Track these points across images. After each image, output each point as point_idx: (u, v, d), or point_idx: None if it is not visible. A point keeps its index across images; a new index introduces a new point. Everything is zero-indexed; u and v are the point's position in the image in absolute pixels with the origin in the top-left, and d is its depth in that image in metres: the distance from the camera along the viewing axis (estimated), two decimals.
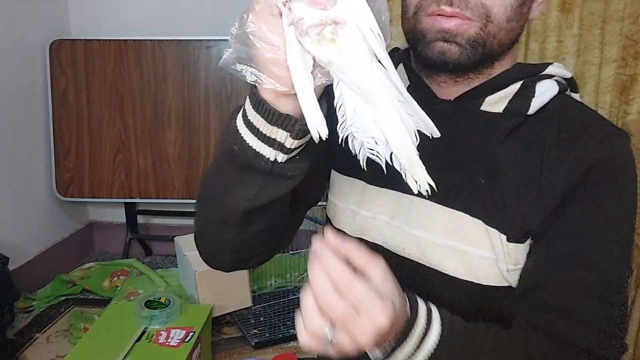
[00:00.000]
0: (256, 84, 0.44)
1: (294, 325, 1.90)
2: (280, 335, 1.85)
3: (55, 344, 1.83)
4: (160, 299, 1.57)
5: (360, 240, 0.52)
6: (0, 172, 2.02)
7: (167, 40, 2.18)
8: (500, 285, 0.58)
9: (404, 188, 0.52)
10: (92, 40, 2.20)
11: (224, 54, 0.42)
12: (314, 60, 0.37)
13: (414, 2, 0.61)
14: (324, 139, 0.41)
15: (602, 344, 0.57)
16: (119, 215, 2.50)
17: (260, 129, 0.47)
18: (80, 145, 2.26)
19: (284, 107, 0.44)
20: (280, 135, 0.45)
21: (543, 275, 0.58)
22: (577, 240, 0.58)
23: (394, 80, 0.38)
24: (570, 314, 0.57)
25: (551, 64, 0.65)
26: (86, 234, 2.54)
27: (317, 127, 0.40)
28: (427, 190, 0.45)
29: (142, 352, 1.39)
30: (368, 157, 0.42)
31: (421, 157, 0.44)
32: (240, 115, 0.50)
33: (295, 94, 0.39)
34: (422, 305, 0.54)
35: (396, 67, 0.53)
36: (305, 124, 0.42)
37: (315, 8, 0.34)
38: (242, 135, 0.49)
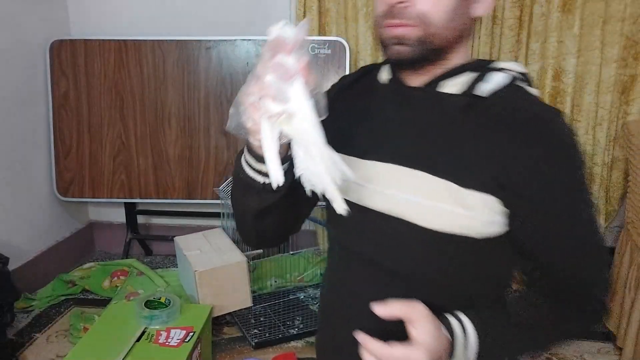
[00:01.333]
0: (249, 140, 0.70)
1: (294, 325, 1.90)
2: (280, 335, 1.85)
3: (55, 344, 1.83)
4: (160, 299, 1.57)
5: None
6: (1, 172, 2.02)
7: (167, 40, 2.18)
8: (459, 234, 0.71)
9: (380, 157, 0.76)
10: (92, 40, 2.20)
11: (228, 122, 0.67)
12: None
13: (376, 19, 0.76)
14: (280, 185, 0.64)
15: (604, 294, 0.76)
16: (119, 215, 2.51)
17: (252, 165, 0.72)
18: (81, 146, 2.26)
19: None
20: (264, 168, 0.69)
21: (545, 253, 0.73)
22: (563, 218, 0.72)
23: (322, 143, 0.62)
24: (577, 278, 0.74)
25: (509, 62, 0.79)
26: (86, 234, 2.54)
27: (275, 178, 0.64)
28: (344, 209, 0.65)
29: (142, 352, 1.39)
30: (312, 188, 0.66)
31: (394, 132, 0.76)
32: (243, 154, 0.74)
33: None
34: (454, 322, 0.69)
35: (384, 66, 0.83)
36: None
37: (278, 104, 0.61)
38: (243, 167, 0.74)
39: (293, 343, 1.84)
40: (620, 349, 1.72)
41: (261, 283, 2.11)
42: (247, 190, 0.75)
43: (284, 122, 0.62)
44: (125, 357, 1.37)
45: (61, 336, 1.88)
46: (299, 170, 0.66)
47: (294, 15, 2.18)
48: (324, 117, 0.63)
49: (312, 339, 1.83)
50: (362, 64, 2.17)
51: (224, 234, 1.96)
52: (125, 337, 1.43)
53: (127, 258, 2.38)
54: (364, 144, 0.79)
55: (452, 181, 0.70)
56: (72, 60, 2.21)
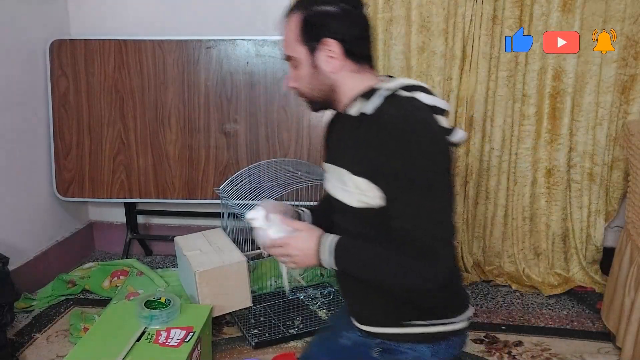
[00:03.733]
0: None
1: (294, 325, 1.90)
2: (280, 335, 1.85)
3: (55, 344, 1.83)
4: (160, 299, 1.57)
5: None
6: (1, 172, 2.02)
7: (167, 40, 2.18)
8: (360, 207, 1.05)
9: (328, 160, 1.15)
10: (92, 40, 2.20)
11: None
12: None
13: None
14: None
15: (432, 246, 0.99)
16: (119, 215, 2.51)
17: None
18: (81, 146, 2.26)
19: None
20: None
21: (395, 215, 1.02)
22: (402, 190, 1.00)
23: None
24: (410, 232, 1.01)
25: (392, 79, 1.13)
26: (86, 234, 2.54)
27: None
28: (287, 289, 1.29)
29: (142, 352, 1.39)
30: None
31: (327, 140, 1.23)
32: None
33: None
34: (326, 235, 1.10)
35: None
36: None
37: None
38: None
39: (293, 343, 1.84)
40: (620, 349, 1.72)
41: (261, 283, 2.11)
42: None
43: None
44: (125, 357, 1.37)
45: (61, 336, 1.88)
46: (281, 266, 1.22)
47: None
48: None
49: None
50: None
51: (224, 234, 1.96)
52: (125, 337, 1.43)
53: (127, 258, 2.38)
54: (328, 152, 1.22)
55: (351, 172, 1.05)
56: (72, 60, 2.21)
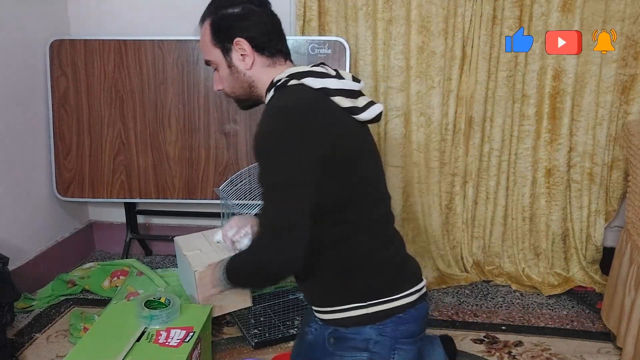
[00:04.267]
0: None
1: (294, 326, 1.90)
2: (280, 335, 1.85)
3: (55, 344, 1.83)
4: (160, 299, 1.56)
5: None
6: (1, 172, 2.02)
7: (167, 40, 2.18)
8: None
9: None
10: (92, 40, 2.20)
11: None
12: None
13: None
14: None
15: (275, 226, 1.06)
16: (119, 215, 2.51)
17: None
18: (81, 146, 2.26)
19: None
20: None
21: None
22: (260, 176, 1.10)
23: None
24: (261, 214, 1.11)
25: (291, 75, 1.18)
26: (86, 234, 2.54)
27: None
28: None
29: (142, 352, 1.39)
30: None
31: None
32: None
33: None
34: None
35: None
36: None
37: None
38: None
39: (293, 343, 1.83)
40: (620, 349, 1.72)
41: None
42: None
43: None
44: (125, 357, 1.36)
45: (61, 336, 1.88)
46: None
47: (294, 15, 2.18)
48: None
49: None
50: (361, 63, 2.17)
51: None
52: (125, 337, 1.43)
53: (127, 258, 2.38)
54: None
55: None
56: (72, 60, 2.21)
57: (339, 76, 1.21)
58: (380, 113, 1.22)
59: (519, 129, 2.19)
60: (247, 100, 1.27)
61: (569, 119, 2.14)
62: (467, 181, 2.29)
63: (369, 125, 1.27)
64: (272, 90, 1.18)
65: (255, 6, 1.20)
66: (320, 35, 2.16)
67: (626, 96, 2.10)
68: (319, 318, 1.28)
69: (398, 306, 1.18)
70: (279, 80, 1.17)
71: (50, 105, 2.23)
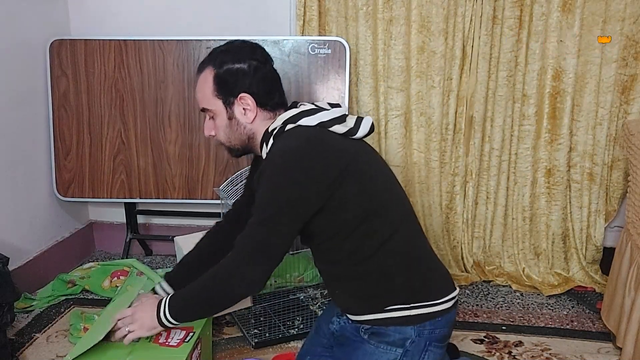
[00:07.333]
0: None
1: (294, 325, 1.90)
2: (280, 335, 1.85)
3: (55, 344, 1.83)
4: None
5: None
6: (1, 172, 2.02)
7: (167, 40, 2.18)
8: None
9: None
10: (92, 40, 2.20)
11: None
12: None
13: None
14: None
15: (253, 250, 1.16)
16: (119, 215, 2.51)
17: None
18: (81, 145, 2.26)
19: None
20: None
21: None
22: (258, 203, 1.17)
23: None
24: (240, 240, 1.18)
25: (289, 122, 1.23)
26: (86, 234, 2.54)
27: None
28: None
29: (142, 352, 1.39)
30: None
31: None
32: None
33: None
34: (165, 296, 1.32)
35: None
36: None
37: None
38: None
39: (293, 343, 1.84)
40: (620, 349, 1.72)
41: None
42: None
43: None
44: (125, 357, 1.37)
45: (61, 336, 1.88)
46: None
47: (294, 15, 2.18)
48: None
49: None
50: (362, 63, 2.17)
51: None
52: None
53: (127, 258, 2.38)
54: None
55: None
56: (72, 60, 2.21)
57: (324, 108, 1.26)
58: (372, 125, 1.26)
59: (519, 129, 2.19)
60: (241, 150, 1.32)
61: (569, 119, 2.14)
62: (468, 181, 2.29)
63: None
64: (271, 138, 1.22)
65: (260, 63, 1.24)
66: (320, 35, 2.16)
67: (626, 96, 2.10)
68: (354, 320, 1.31)
69: (438, 310, 1.24)
70: (275, 128, 1.22)
71: (50, 105, 2.23)
